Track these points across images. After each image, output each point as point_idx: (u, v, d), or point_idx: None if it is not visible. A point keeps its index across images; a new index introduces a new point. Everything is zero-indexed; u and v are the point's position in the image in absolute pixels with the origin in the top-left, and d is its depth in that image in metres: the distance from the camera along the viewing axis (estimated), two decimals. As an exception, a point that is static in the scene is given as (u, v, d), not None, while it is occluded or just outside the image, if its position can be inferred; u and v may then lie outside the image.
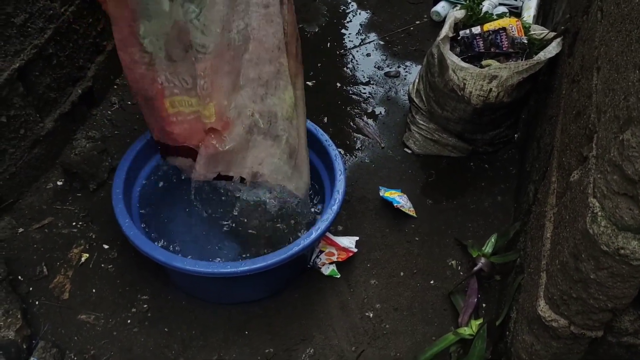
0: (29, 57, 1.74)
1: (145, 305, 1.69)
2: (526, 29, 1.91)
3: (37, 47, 1.77)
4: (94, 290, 1.71)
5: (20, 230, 1.81)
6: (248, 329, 1.66)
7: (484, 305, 1.73)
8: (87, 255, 1.78)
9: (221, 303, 1.70)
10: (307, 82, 2.36)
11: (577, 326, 1.13)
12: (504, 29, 1.88)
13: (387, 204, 1.93)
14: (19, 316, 1.54)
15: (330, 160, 1.74)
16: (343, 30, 2.63)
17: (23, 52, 1.72)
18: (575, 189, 1.11)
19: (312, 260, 1.78)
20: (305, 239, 1.53)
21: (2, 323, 1.51)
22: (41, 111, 1.87)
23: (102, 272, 1.75)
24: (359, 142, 2.17)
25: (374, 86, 2.38)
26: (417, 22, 2.68)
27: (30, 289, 1.70)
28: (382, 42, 2.58)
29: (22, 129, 1.80)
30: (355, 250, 1.80)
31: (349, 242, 1.81)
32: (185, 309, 1.69)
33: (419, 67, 2.38)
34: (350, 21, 2.69)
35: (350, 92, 2.35)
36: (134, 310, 1.68)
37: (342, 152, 2.12)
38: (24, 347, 1.52)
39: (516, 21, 1.89)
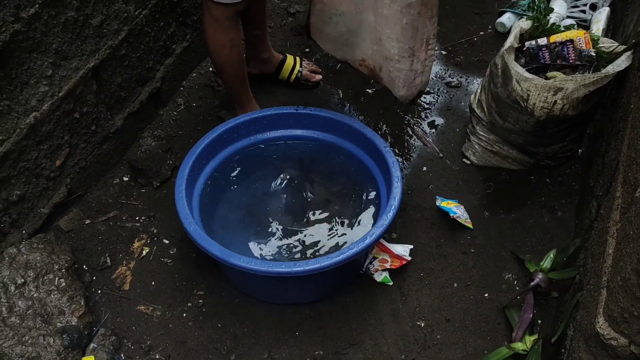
0: (103, 57, 1.83)
1: (200, 301, 1.73)
2: (594, 41, 1.86)
3: (111, 48, 1.86)
4: (152, 283, 1.77)
5: (87, 221, 1.90)
6: (299, 330, 1.68)
7: (539, 321, 1.69)
8: (148, 249, 1.85)
9: (274, 303, 1.73)
10: (368, 90, 2.38)
11: (637, 346, 1.09)
12: (571, 40, 1.84)
13: (444, 214, 1.92)
14: (82, 303, 1.62)
15: (387, 167, 1.74)
16: (405, 40, 2.63)
17: (98, 52, 1.81)
18: (640, 204, 1.08)
19: (365, 266, 1.78)
20: (359, 244, 1.54)
21: (66, 309, 1.58)
22: (112, 109, 1.96)
23: (161, 266, 1.81)
24: (417, 150, 2.16)
25: (434, 95, 2.37)
26: (481, 33, 2.65)
27: (94, 278, 1.78)
28: (444, 52, 2.56)
29: (93, 125, 1.89)
30: (409, 258, 1.79)
31: (403, 250, 1.80)
32: (239, 306, 1.72)
33: (481, 78, 2.35)
34: (413, 31, 2.68)
35: (410, 101, 2.35)
36: (189, 304, 1.73)
37: (400, 159, 2.12)
38: (85, 333, 1.59)
39: (584, 33, 1.85)
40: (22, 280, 1.57)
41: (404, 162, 2.12)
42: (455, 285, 1.78)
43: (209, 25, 1.81)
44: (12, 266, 1.58)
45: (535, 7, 1.94)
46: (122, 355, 1.62)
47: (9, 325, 1.49)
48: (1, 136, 1.56)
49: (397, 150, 2.14)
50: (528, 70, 1.80)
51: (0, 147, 1.56)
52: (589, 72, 1.81)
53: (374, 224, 1.62)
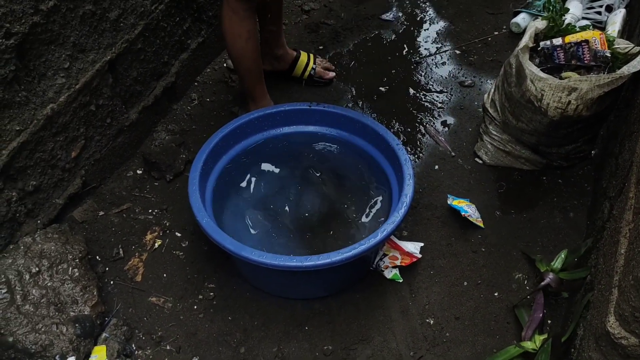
0: (119, 50, 1.85)
1: (211, 293, 1.74)
2: (610, 42, 1.86)
3: (128, 42, 1.87)
4: (164, 275, 1.79)
5: (101, 213, 1.92)
6: (308, 324, 1.69)
7: (549, 321, 1.69)
8: (160, 241, 1.86)
9: (284, 297, 1.74)
10: (381, 88, 2.38)
11: (648, 345, 1.09)
12: (586, 41, 1.83)
13: (455, 212, 1.92)
14: (95, 293, 1.63)
15: (399, 164, 1.75)
16: (419, 39, 2.64)
17: (114, 46, 1.83)
18: (654, 204, 1.08)
19: (375, 263, 1.79)
20: (370, 240, 1.55)
21: (79, 298, 1.60)
22: (127, 102, 1.98)
23: (173, 259, 1.83)
24: (429, 149, 2.16)
25: (447, 95, 2.37)
26: (496, 33, 2.65)
27: (107, 269, 1.79)
28: (458, 52, 2.56)
29: (108, 118, 1.90)
30: (420, 256, 1.80)
31: (413, 247, 1.81)
32: (249, 299, 1.74)
33: (495, 78, 2.35)
34: (427, 30, 2.69)
35: (423, 99, 2.35)
36: (200, 297, 1.74)
37: (412, 157, 2.12)
38: (98, 322, 1.61)
39: (600, 34, 1.84)
40: (37, 269, 1.59)
41: (416, 160, 2.12)
42: (465, 283, 1.78)
43: (226, 17, 1.83)
44: (27, 255, 1.60)
45: (551, 7, 1.93)
46: (133, 345, 1.63)
47: (23, 313, 1.51)
48: (19, 127, 1.58)
49: (409, 149, 2.15)
50: (542, 70, 1.80)
51: (17, 137, 1.59)
52: (603, 73, 1.80)
53: (385, 221, 1.62)
